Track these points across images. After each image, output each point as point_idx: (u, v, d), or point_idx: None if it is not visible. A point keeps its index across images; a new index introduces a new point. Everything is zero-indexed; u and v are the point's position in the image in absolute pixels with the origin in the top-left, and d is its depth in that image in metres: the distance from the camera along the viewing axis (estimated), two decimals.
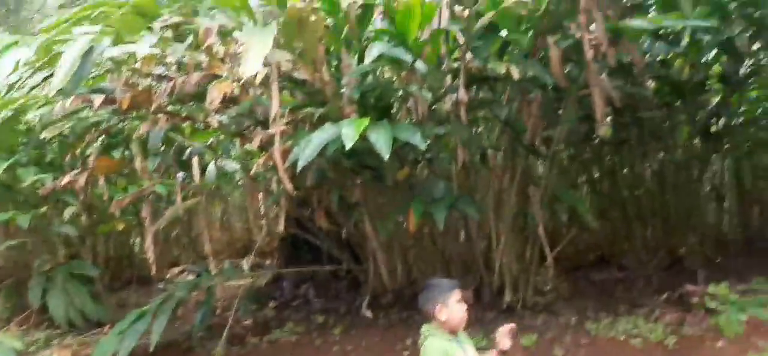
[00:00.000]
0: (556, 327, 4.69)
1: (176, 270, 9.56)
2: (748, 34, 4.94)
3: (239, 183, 6.82)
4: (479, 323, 4.85)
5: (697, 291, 4.98)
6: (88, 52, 3.62)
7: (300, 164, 3.56)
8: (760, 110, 6.29)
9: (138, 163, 4.87)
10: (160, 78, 4.49)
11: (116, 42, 3.81)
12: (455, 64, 4.53)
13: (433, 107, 4.82)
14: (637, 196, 6.51)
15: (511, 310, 4.99)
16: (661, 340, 4.29)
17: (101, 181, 5.28)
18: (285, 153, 3.81)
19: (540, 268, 5.34)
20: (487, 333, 4.61)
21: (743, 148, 6.40)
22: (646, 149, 6.39)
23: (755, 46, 5.30)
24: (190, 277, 6.73)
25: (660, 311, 4.85)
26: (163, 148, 5.23)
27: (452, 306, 2.90)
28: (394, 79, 4.84)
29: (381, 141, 3.45)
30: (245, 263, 7.58)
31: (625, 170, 6.57)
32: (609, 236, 6.60)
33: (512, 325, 2.98)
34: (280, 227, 5.13)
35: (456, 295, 2.91)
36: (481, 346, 4.43)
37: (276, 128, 3.74)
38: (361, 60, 4.35)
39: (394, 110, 4.93)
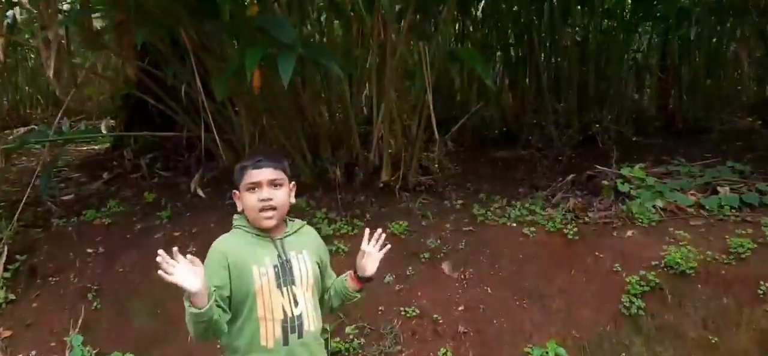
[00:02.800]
0: (436, 211, 3.77)
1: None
2: None
3: None
4: (347, 208, 3.88)
5: (607, 172, 4.18)
6: None
7: None
8: None
9: None
10: None
11: None
12: None
13: None
14: (554, 64, 5.58)
15: (388, 192, 4.04)
16: (560, 229, 3.45)
17: None
18: None
19: (428, 144, 4.37)
20: (355, 220, 3.67)
21: (672, 19, 5.49)
22: (569, 11, 5.41)
23: None
24: None
25: (563, 194, 4.03)
26: None
27: (244, 194, 1.85)
28: None
29: None
30: (104, 127, 6.30)
31: (543, 34, 5.59)
32: (516, 108, 5.71)
33: (378, 231, 1.96)
34: None
35: (249, 177, 1.83)
36: (348, 234, 3.54)
37: None
38: None
39: None
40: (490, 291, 3.14)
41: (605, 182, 3.99)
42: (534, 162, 5.03)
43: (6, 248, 3.68)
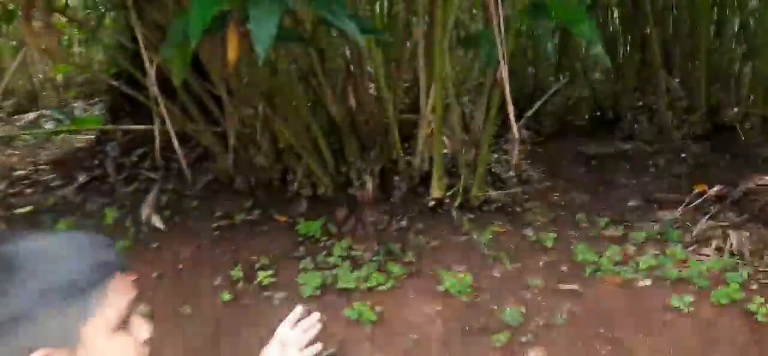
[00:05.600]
0: (516, 249, 2.48)
1: None
2: None
3: None
4: (380, 238, 2.64)
5: None
6: None
7: None
8: None
9: None
10: None
11: None
12: None
13: None
14: (669, 22, 4.08)
15: (440, 214, 2.77)
16: (737, 301, 2.05)
17: None
18: None
19: (500, 140, 3.08)
20: (390, 264, 2.43)
21: None
22: None
23: None
24: None
25: (709, 220, 2.65)
26: None
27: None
28: None
29: None
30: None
31: None
32: (613, 84, 4.28)
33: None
34: None
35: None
36: (379, 288, 2.27)
37: None
38: None
39: None
40: None
41: None
42: (643, 161, 3.64)
43: None
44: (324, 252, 2.57)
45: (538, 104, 3.71)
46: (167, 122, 2.51)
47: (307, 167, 2.94)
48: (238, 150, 3.17)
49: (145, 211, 2.61)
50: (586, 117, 4.24)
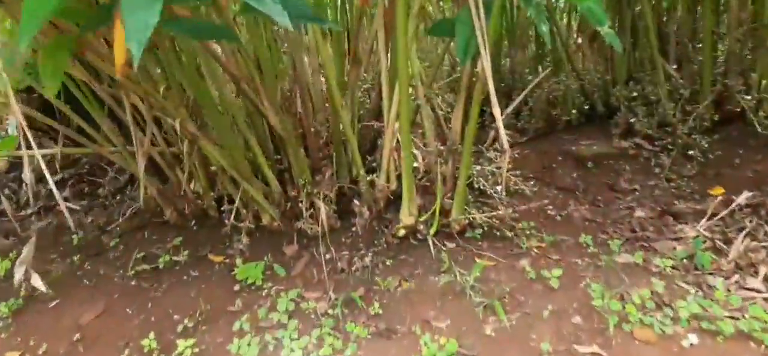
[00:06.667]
0: (511, 290, 1.93)
1: None
2: None
3: None
4: (339, 285, 2.07)
5: None
6: None
7: None
8: None
9: None
10: None
11: None
12: None
13: None
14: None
15: (415, 246, 2.22)
16: None
17: None
18: None
19: (475, 146, 2.55)
20: (349, 324, 1.86)
21: None
22: None
23: None
24: None
25: (752, 242, 2.14)
26: None
27: None
28: None
29: None
30: (12, 128, 4.60)
31: None
32: (603, 72, 3.79)
33: None
34: None
35: None
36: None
37: None
38: None
39: None
40: None
41: None
42: (646, 161, 3.15)
43: None
44: (267, 304, 1.99)
45: (519, 99, 3.21)
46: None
47: (246, 193, 2.36)
48: (168, 175, 2.58)
49: (17, 271, 1.99)
50: (574, 112, 3.73)
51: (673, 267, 1.96)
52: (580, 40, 3.96)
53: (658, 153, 3.17)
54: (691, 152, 3.08)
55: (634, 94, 3.48)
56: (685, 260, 2.04)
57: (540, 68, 4.03)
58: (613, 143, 3.36)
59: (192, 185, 2.67)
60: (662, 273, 1.94)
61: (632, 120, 3.37)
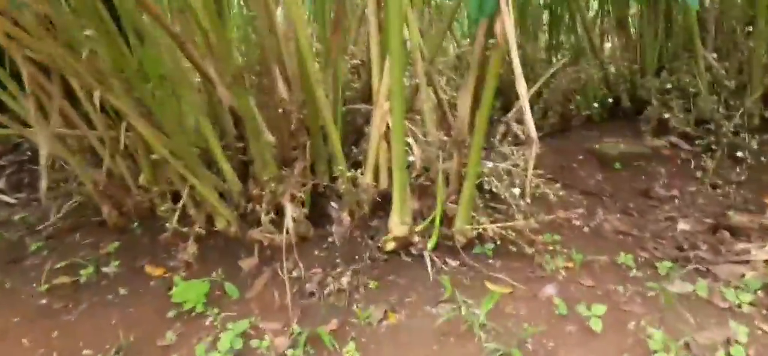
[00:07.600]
0: (544, 335, 1.44)
1: None
2: None
3: None
4: (298, 309, 1.58)
5: None
6: None
7: None
8: None
9: None
10: None
11: None
12: None
13: None
14: None
15: (407, 262, 1.72)
16: None
17: None
18: None
19: (494, 140, 2.07)
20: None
21: None
22: None
23: None
24: None
25: None
26: None
27: None
28: None
29: None
30: None
31: None
32: (630, 61, 3.29)
33: None
34: None
35: None
36: None
37: None
38: None
39: None
40: None
41: None
42: (684, 163, 2.67)
43: None
44: (209, 338, 1.50)
45: (534, 88, 2.72)
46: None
47: (195, 189, 1.86)
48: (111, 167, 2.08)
49: None
50: (595, 106, 3.24)
51: (750, 304, 1.47)
52: (605, 25, 3.47)
53: (699, 154, 2.69)
54: (739, 154, 2.60)
55: (668, 85, 2.99)
56: (760, 293, 1.55)
57: (554, 60, 3.53)
58: (644, 141, 2.87)
59: (141, 179, 2.18)
60: (736, 312, 1.45)
61: (666, 116, 2.88)
